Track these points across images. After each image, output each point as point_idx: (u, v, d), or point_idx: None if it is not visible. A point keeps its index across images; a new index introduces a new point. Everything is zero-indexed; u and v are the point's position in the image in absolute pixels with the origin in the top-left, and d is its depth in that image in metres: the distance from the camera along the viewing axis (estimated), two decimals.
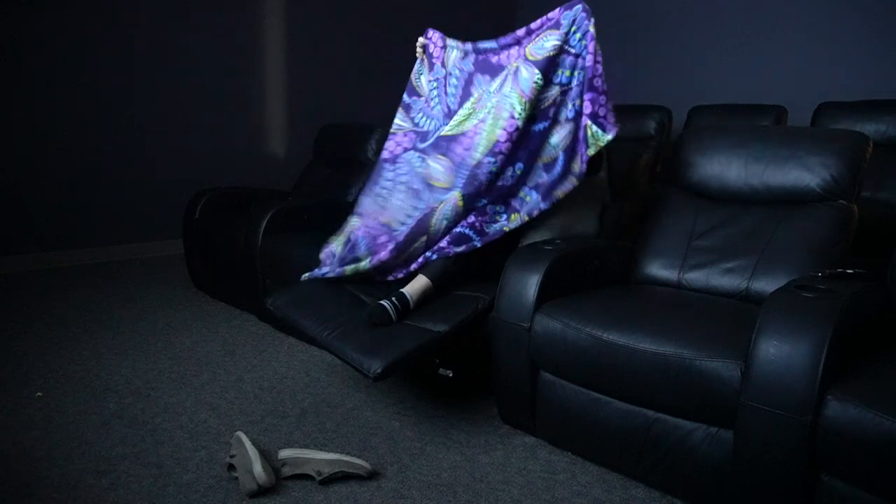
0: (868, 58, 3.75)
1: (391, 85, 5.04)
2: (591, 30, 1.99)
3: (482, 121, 2.06)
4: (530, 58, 2.02)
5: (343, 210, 3.23)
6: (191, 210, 3.33)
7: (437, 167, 2.14)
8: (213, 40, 4.16)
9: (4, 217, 3.56)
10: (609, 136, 2.03)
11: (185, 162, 4.14)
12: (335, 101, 4.73)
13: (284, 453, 1.66)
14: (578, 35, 2.00)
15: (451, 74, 2.24)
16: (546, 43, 2.00)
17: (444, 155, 2.13)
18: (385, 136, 3.48)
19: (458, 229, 2.12)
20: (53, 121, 3.64)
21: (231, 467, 1.64)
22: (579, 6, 2.00)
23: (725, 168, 2.07)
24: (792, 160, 1.96)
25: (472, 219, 2.12)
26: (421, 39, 2.34)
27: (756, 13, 4.21)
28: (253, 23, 4.33)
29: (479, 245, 2.12)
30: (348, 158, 3.56)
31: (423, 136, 2.27)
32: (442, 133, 2.15)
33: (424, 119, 2.31)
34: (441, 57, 2.28)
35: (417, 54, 2.36)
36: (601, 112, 2.02)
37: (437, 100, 2.29)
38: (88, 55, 3.70)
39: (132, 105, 3.90)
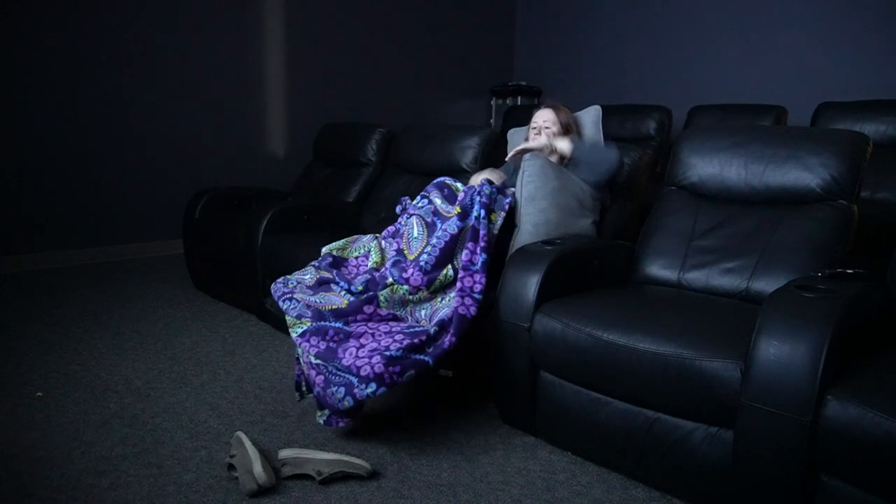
0: (868, 58, 3.75)
1: (391, 85, 5.07)
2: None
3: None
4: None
5: (343, 210, 3.27)
6: (191, 210, 3.33)
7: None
8: (214, 40, 4.16)
9: (4, 217, 3.56)
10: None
11: (185, 162, 4.14)
12: (335, 101, 4.73)
13: (284, 453, 1.66)
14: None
15: None
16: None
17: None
18: (384, 135, 3.51)
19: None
20: (53, 121, 3.64)
21: (231, 467, 1.64)
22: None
23: (725, 168, 2.07)
24: (792, 160, 1.96)
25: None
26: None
27: (756, 13, 4.22)
28: (253, 23, 4.33)
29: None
30: (348, 158, 3.56)
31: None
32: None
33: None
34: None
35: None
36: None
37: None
38: (88, 55, 3.70)
39: (132, 105, 3.91)
